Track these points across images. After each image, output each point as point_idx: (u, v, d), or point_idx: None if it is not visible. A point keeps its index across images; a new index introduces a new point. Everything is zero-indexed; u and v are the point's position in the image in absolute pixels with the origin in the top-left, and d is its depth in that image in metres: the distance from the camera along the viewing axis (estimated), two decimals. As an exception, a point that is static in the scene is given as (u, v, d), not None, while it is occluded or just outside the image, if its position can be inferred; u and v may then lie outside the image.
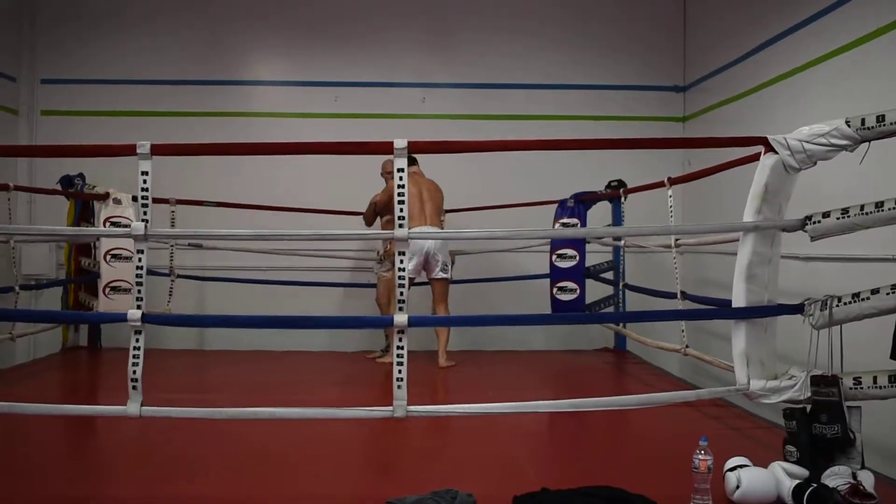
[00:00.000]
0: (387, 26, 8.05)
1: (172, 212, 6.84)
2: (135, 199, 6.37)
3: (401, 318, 3.14)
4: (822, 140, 3.25)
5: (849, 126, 3.19)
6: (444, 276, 6.27)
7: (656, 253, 6.41)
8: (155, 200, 6.50)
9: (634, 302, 6.71)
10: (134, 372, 3.10)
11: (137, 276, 3.17)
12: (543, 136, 7.67)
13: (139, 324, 3.12)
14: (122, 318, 3.18)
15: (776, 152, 3.30)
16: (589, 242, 6.88)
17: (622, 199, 6.46)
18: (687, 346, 5.15)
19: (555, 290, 6.59)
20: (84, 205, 6.64)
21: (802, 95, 5.72)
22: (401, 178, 3.12)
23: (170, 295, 6.99)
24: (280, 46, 8.13)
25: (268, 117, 7.95)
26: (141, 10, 7.95)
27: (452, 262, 6.60)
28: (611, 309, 6.85)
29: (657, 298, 5.95)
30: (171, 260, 7.03)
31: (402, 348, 3.13)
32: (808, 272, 5.40)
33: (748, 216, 3.37)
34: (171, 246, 7.00)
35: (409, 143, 3.11)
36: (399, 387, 3.11)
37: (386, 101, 7.96)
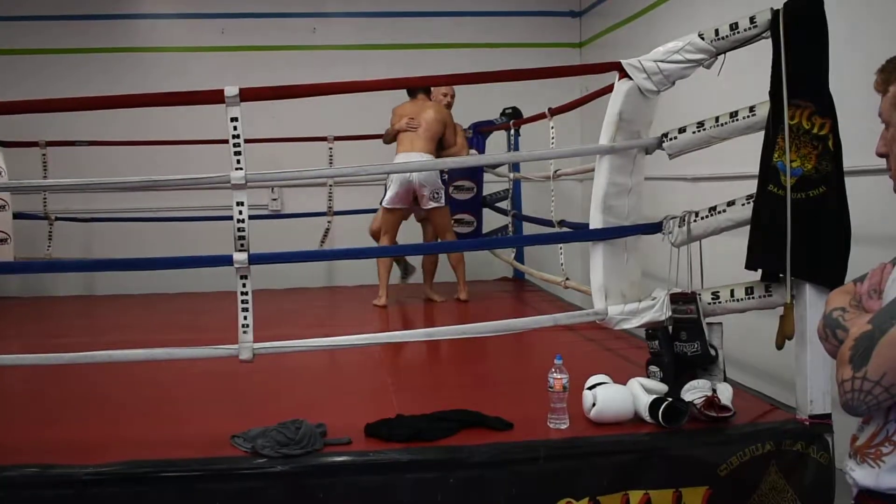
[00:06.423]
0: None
1: (44, 154, 6.55)
2: (2, 144, 6.17)
3: (240, 257, 2.94)
4: (678, 56, 3.14)
5: (702, 39, 3.11)
6: (436, 204, 5.80)
7: (563, 181, 6.15)
8: (24, 144, 6.35)
9: (532, 231, 6.61)
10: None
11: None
12: (438, 67, 7.47)
13: None
14: None
15: (631, 77, 3.19)
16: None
17: (513, 130, 6.39)
18: (567, 279, 5.11)
19: (452, 222, 6.49)
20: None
21: (696, 9, 5.55)
22: (235, 129, 2.93)
23: (49, 240, 6.73)
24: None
25: (153, 52, 7.61)
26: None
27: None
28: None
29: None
30: (45, 203, 6.75)
31: (245, 293, 2.95)
32: (696, 193, 5.42)
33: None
34: (44, 190, 6.66)
35: (240, 90, 2.91)
36: (245, 332, 2.96)
37: (274, 32, 7.65)
